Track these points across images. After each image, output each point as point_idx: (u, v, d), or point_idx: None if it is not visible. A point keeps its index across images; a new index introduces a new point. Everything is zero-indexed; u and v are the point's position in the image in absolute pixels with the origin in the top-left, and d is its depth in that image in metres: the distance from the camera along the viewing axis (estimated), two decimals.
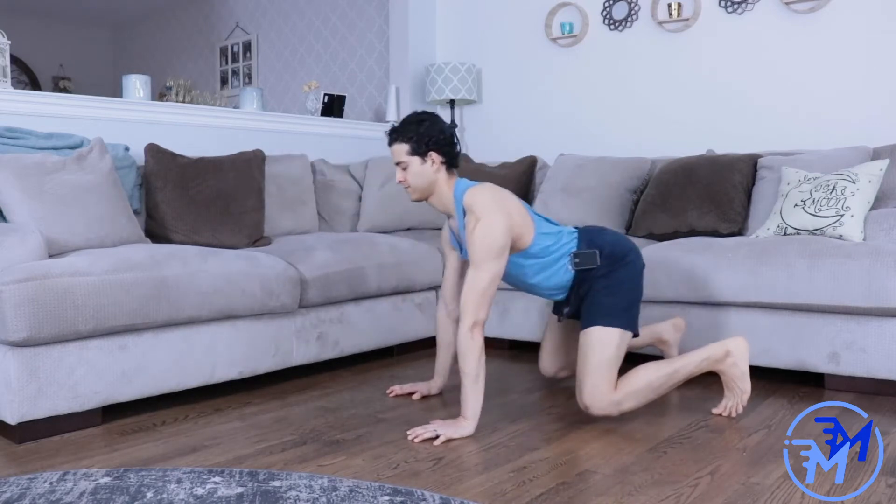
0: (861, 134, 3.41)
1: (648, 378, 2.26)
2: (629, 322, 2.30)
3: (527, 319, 3.30)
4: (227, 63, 6.66)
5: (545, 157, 4.32)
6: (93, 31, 8.46)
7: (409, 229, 3.97)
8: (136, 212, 3.02)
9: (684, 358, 2.31)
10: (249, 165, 3.27)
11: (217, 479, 1.81)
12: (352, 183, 3.96)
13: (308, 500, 1.67)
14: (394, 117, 4.65)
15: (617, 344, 2.25)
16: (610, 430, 2.25)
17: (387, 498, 1.69)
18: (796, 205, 2.90)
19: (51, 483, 1.79)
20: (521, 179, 3.95)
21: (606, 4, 4.23)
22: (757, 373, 2.81)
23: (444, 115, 4.87)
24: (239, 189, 3.18)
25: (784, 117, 3.69)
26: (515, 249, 2.28)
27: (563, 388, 2.75)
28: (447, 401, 2.60)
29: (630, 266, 2.34)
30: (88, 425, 2.29)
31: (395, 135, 2.31)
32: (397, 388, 2.68)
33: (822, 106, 3.58)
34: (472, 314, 2.15)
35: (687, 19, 3.95)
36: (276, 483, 1.78)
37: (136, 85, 3.46)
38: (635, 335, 2.35)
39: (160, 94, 5.24)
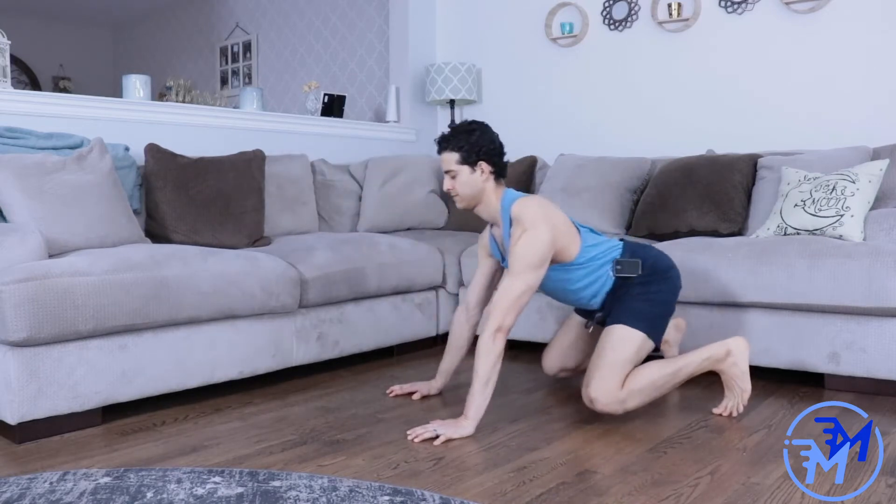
0: (861, 134, 3.41)
1: (652, 377, 2.27)
2: (654, 332, 2.31)
3: (527, 319, 3.30)
4: (227, 63, 6.66)
5: (545, 157, 4.32)
6: (93, 31, 8.46)
7: (409, 229, 3.97)
8: (136, 212, 3.02)
9: (686, 357, 2.32)
10: (249, 165, 3.27)
11: (217, 479, 1.81)
12: (352, 183, 3.96)
13: (308, 500, 1.67)
14: (394, 117, 4.65)
15: (638, 346, 2.27)
16: (610, 429, 2.25)
17: (387, 498, 1.69)
18: (796, 205, 2.90)
19: (51, 483, 1.79)
20: (522, 179, 3.94)
21: (606, 4, 4.23)
22: (757, 373, 2.81)
23: (444, 115, 4.88)
24: (239, 189, 3.18)
25: (784, 117, 3.69)
26: (559, 261, 2.30)
27: (564, 388, 2.75)
28: (447, 401, 2.60)
29: (669, 282, 2.36)
30: (88, 425, 2.29)
31: (446, 143, 2.31)
32: (397, 388, 2.68)
33: (822, 106, 3.58)
34: (500, 319, 2.17)
35: (687, 19, 3.95)
36: (276, 483, 1.78)
37: (136, 85, 3.46)
38: (656, 349, 2.35)
39: (160, 94, 5.24)
